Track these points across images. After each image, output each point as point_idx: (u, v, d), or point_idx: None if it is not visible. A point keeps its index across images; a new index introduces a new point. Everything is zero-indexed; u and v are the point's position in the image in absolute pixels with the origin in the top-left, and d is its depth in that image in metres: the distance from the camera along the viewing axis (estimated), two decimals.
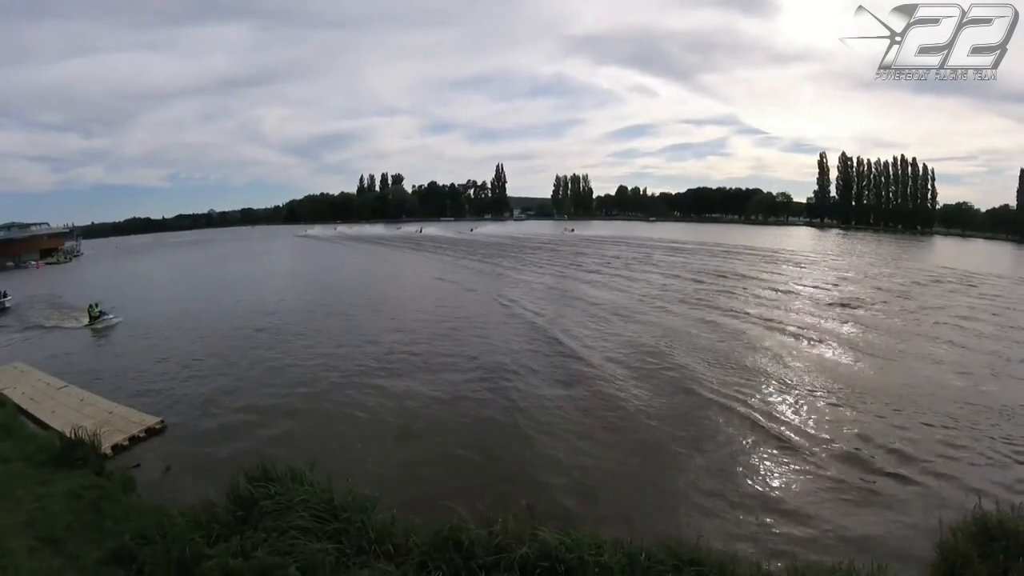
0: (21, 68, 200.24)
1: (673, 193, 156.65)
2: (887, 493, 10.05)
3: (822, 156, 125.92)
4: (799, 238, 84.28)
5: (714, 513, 9.41)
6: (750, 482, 10.53)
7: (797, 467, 11.07)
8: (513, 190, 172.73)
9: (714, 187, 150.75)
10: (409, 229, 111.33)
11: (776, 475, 10.82)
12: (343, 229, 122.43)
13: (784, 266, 45.55)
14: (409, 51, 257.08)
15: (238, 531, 7.19)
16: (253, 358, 19.95)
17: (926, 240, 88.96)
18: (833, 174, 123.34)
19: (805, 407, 14.12)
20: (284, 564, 6.39)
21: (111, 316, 28.45)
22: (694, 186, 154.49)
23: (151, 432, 13.43)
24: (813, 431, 12.62)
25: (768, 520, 9.28)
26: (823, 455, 11.45)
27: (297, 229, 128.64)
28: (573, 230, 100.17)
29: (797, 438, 12.24)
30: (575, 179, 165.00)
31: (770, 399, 14.60)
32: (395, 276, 47.49)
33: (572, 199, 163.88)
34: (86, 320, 28.21)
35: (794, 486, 10.41)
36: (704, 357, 18.16)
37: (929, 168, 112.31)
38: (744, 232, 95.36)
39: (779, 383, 15.82)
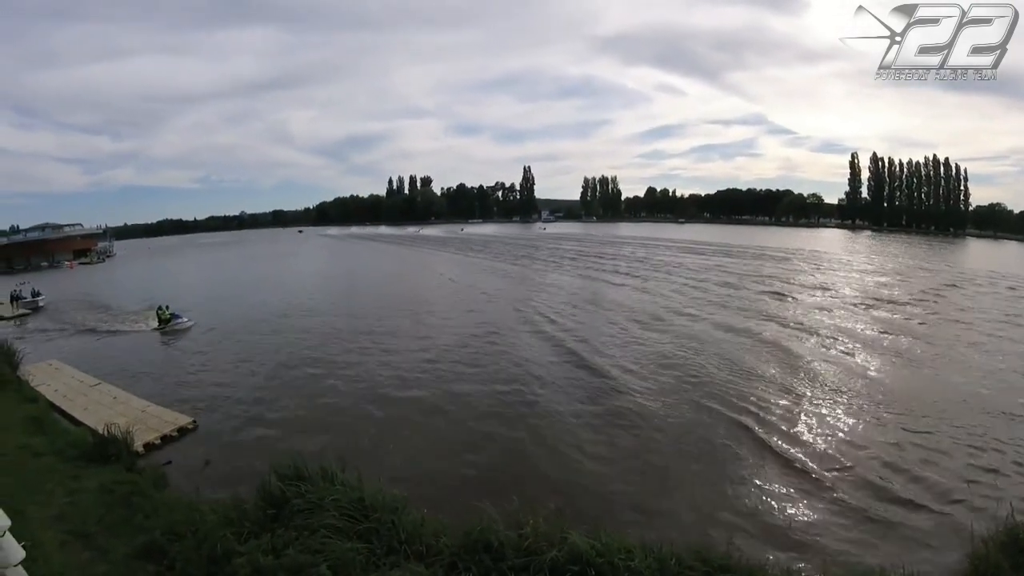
0: (50, 71, 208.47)
1: (703, 194, 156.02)
2: (918, 505, 9.69)
3: (854, 156, 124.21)
4: (830, 240, 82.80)
5: (740, 525, 9.09)
6: (778, 495, 10.19)
7: (827, 479, 10.66)
8: (541, 192, 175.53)
9: (744, 188, 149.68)
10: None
11: (805, 488, 10.41)
12: (355, 230, 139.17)
13: (810, 266, 44.95)
14: (434, 52, 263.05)
15: (269, 529, 7.20)
16: (284, 360, 20.13)
17: (959, 242, 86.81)
18: (864, 175, 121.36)
19: (834, 418, 13.68)
20: (315, 563, 6.38)
21: (184, 319, 27.07)
22: (723, 187, 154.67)
23: (183, 431, 13.55)
24: (843, 443, 12.16)
25: (796, 530, 9.01)
26: (854, 467, 11.05)
27: (321, 230, 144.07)
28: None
29: (826, 450, 11.85)
30: (603, 181, 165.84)
31: (798, 410, 14.13)
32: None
33: (600, 201, 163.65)
34: (155, 323, 26.94)
35: (824, 498, 10.03)
36: (727, 364, 17.73)
37: (962, 168, 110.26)
38: (775, 234, 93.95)
39: (809, 393, 15.35)
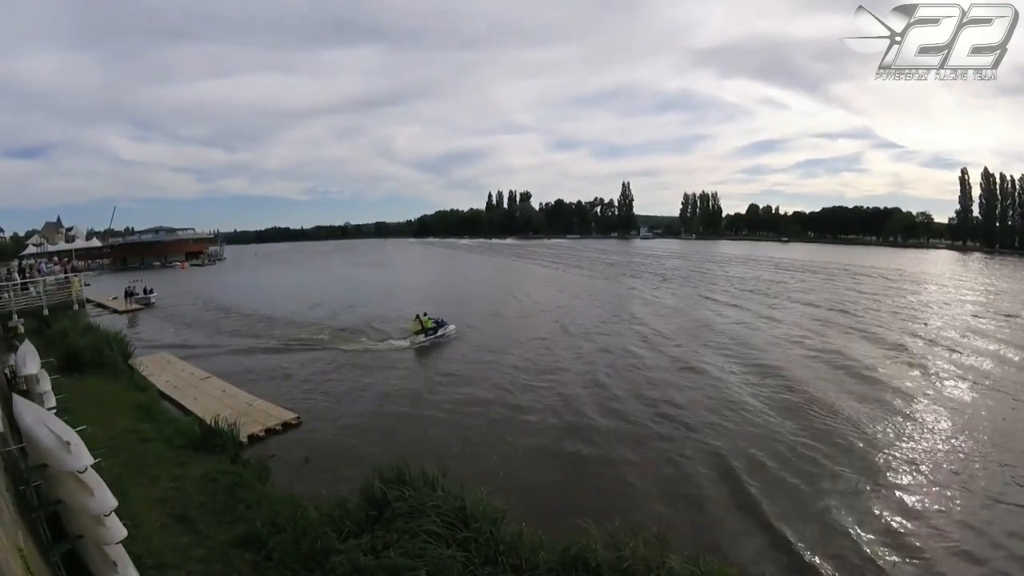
0: (168, 87, 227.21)
1: (807, 212, 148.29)
2: None
3: (963, 173, 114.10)
4: (936, 262, 75.54)
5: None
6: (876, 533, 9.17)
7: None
8: (640, 207, 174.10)
9: (850, 206, 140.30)
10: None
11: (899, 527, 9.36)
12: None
13: (932, 295, 40.98)
14: (533, 68, 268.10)
15: (369, 530, 7.33)
16: (394, 367, 20.48)
17: None
18: (975, 192, 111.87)
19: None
20: (414, 567, 6.43)
21: (450, 327, 25.29)
22: (828, 204, 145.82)
23: (287, 426, 14.02)
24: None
25: None
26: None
27: (414, 241, 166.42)
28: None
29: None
30: (704, 197, 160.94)
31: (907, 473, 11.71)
32: (485, 273, 65.85)
33: (700, 218, 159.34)
34: (412, 333, 24.39)
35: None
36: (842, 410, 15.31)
37: None
38: (880, 255, 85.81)
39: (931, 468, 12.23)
